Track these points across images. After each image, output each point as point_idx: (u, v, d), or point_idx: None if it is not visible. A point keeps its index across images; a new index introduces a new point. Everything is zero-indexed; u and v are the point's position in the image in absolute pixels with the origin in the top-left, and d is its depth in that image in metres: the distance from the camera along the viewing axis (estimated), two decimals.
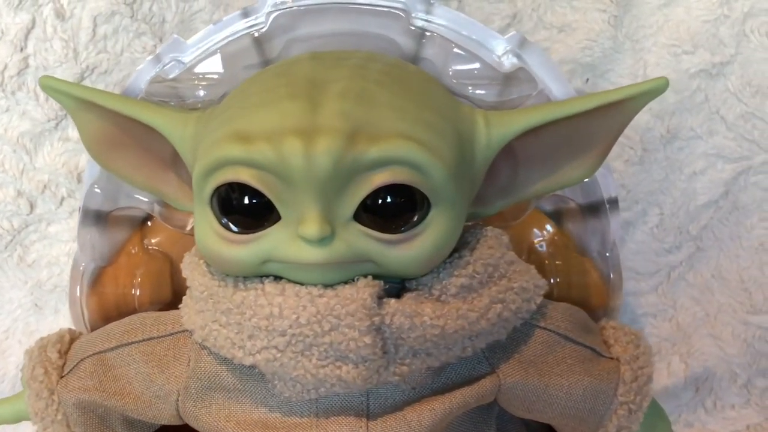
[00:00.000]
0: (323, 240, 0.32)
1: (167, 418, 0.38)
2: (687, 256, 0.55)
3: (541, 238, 0.46)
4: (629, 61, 0.52)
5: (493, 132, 0.36)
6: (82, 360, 0.39)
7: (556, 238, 0.46)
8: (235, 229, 0.34)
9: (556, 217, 0.46)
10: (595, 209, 0.45)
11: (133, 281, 0.45)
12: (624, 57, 0.52)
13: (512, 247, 0.38)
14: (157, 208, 0.44)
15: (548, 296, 0.40)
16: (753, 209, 0.55)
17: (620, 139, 0.53)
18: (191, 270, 0.37)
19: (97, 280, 0.45)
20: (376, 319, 0.33)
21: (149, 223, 0.46)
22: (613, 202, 0.45)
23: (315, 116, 0.32)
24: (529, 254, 0.46)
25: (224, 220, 0.34)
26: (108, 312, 0.44)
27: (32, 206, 0.52)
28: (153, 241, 0.46)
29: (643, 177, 0.54)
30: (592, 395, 0.38)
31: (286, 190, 0.32)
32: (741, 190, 0.55)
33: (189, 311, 0.37)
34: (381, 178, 0.32)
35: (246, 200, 0.33)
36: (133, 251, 0.46)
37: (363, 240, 0.33)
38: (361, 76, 0.35)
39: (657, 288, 0.56)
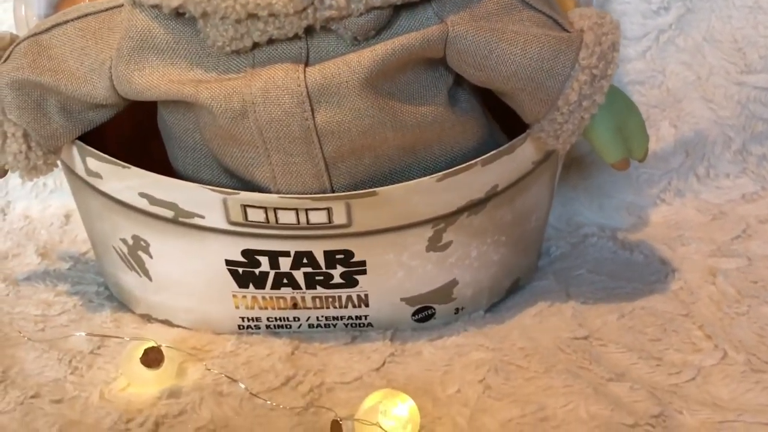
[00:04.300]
0: None
1: (102, 95, 0.37)
2: (676, 18, 0.52)
3: None
4: None
5: None
6: (17, 45, 0.38)
7: None
8: None
9: None
10: None
11: None
12: None
13: None
14: None
15: None
16: None
17: None
18: None
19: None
20: None
21: None
22: None
23: None
24: None
25: None
26: None
27: None
28: None
29: None
30: (551, 55, 0.36)
31: None
32: None
33: None
34: None
35: None
36: None
37: None
38: None
39: (645, 54, 0.52)
